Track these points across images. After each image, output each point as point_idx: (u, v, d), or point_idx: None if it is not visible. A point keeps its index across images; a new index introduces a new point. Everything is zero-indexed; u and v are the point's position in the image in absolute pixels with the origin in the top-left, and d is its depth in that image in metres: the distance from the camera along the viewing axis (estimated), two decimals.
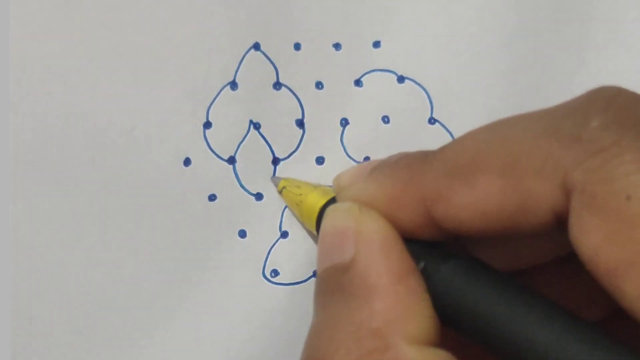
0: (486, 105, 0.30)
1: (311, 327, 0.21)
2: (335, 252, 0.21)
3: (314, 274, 0.30)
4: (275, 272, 0.30)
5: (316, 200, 0.27)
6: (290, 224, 0.30)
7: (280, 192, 0.29)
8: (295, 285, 0.30)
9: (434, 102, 0.30)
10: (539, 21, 0.30)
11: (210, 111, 0.29)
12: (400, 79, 0.30)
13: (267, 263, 0.30)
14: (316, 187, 0.28)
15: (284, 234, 0.30)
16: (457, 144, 0.20)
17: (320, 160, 0.30)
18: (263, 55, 0.29)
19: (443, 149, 0.20)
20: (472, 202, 0.19)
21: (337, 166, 0.30)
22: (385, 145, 0.30)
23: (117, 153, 0.29)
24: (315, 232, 0.26)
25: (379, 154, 0.30)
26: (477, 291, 0.19)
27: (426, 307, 0.20)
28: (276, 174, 0.30)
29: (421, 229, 0.21)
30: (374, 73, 0.30)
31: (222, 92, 0.29)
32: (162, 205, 0.29)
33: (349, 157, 0.30)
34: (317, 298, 0.21)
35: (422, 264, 0.20)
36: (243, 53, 0.29)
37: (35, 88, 0.29)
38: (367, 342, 0.19)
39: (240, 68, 0.29)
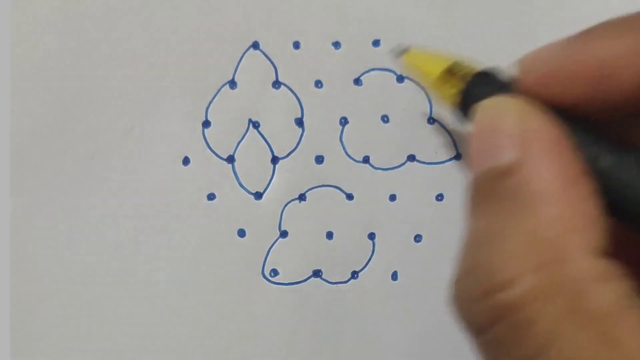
0: None
1: (471, 234, 0.19)
2: (497, 152, 0.19)
3: (314, 274, 0.30)
4: (274, 272, 0.30)
5: (459, 70, 0.23)
6: (290, 223, 0.30)
7: (405, 59, 0.26)
8: (295, 285, 0.30)
9: (433, 102, 0.30)
10: (539, 22, 0.30)
11: (209, 110, 0.29)
12: (400, 79, 0.30)
13: (267, 263, 0.30)
14: (454, 57, 0.25)
15: (284, 234, 0.30)
16: None
17: (319, 159, 0.30)
18: (262, 54, 0.29)
19: None
20: None
21: (337, 165, 0.30)
22: (385, 144, 0.30)
23: (116, 152, 0.29)
24: (455, 111, 0.23)
25: (379, 153, 0.30)
26: None
27: (599, 213, 0.18)
28: (275, 173, 0.30)
29: (631, 101, 0.19)
30: (374, 72, 0.29)
31: (221, 91, 0.29)
32: (161, 204, 0.29)
33: (349, 156, 0.30)
34: (475, 203, 0.19)
35: (600, 157, 0.19)
36: (242, 52, 0.29)
37: (35, 88, 0.29)
38: (543, 253, 0.17)
39: (239, 67, 0.29)
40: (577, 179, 0.18)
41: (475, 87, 0.22)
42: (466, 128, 0.22)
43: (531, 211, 0.18)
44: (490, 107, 0.20)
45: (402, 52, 0.27)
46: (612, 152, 0.19)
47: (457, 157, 0.30)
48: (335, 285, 0.30)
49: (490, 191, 0.19)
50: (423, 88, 0.30)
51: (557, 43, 0.20)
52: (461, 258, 0.19)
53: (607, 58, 0.19)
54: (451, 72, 0.24)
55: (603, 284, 0.17)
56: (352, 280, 0.30)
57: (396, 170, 0.30)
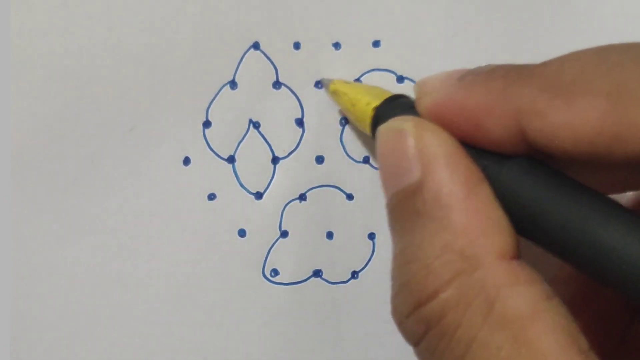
0: None
1: (395, 253, 0.20)
2: (401, 174, 0.20)
3: (314, 274, 0.30)
4: (275, 272, 0.30)
5: (370, 101, 0.25)
6: (290, 223, 0.30)
7: (330, 94, 0.28)
8: (295, 285, 0.30)
9: None
10: (539, 21, 0.30)
11: (209, 110, 0.29)
12: (400, 79, 0.30)
13: (267, 262, 0.30)
14: (369, 89, 0.27)
15: (284, 234, 0.30)
16: (559, 61, 0.19)
17: (320, 160, 0.30)
18: (262, 55, 0.29)
19: (544, 64, 0.20)
20: (570, 122, 0.18)
21: (337, 165, 0.30)
22: None
23: (116, 152, 0.29)
24: (369, 134, 0.25)
25: None
26: (543, 190, 0.19)
27: (502, 215, 0.19)
28: (276, 173, 0.30)
29: (507, 143, 0.20)
30: (374, 72, 0.30)
31: (222, 91, 0.29)
32: (161, 204, 0.29)
33: (349, 156, 0.30)
34: (394, 225, 0.21)
35: (488, 167, 0.20)
36: (242, 52, 0.29)
37: (35, 88, 0.29)
38: (455, 264, 0.18)
39: (240, 67, 0.29)
40: (476, 186, 0.19)
41: (383, 112, 0.24)
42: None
43: (440, 224, 0.19)
44: (388, 131, 0.21)
45: (327, 82, 0.29)
46: (499, 163, 0.20)
47: None
48: (335, 285, 0.30)
49: (403, 211, 0.20)
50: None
51: (449, 77, 0.22)
52: (392, 277, 0.20)
53: (476, 106, 0.20)
54: (368, 100, 0.26)
55: (516, 288, 0.18)
56: (353, 280, 0.30)
57: None
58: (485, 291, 0.18)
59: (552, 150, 0.19)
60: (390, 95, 0.25)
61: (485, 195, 0.19)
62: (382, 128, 0.22)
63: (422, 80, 0.22)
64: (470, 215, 0.19)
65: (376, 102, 0.25)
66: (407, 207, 0.20)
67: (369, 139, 0.30)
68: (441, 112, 0.21)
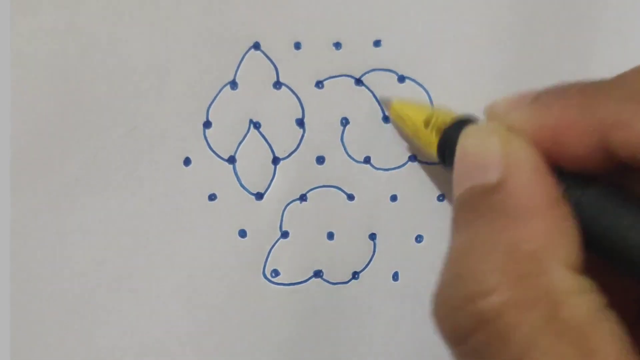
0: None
1: (454, 245, 0.20)
2: (480, 171, 0.20)
3: (315, 274, 0.30)
4: (275, 272, 0.30)
5: (440, 122, 0.26)
6: (291, 223, 0.30)
7: (392, 110, 0.29)
8: (296, 286, 0.30)
9: (434, 102, 0.30)
10: (539, 21, 0.30)
11: (210, 110, 0.29)
12: (401, 79, 0.30)
13: (268, 263, 0.30)
14: (438, 109, 0.27)
15: (285, 234, 0.30)
16: (637, 72, 0.19)
17: (320, 160, 0.30)
18: (263, 55, 0.29)
19: (621, 77, 0.20)
20: None
21: (338, 166, 0.30)
22: (386, 144, 0.30)
23: (116, 152, 0.29)
24: (437, 158, 0.26)
25: (380, 153, 0.30)
26: (619, 216, 0.19)
27: (577, 233, 0.19)
28: (276, 174, 0.30)
29: (588, 159, 0.20)
30: (375, 72, 0.30)
31: (222, 91, 0.29)
32: (161, 204, 0.29)
33: (350, 156, 0.30)
34: (460, 216, 0.21)
35: (565, 189, 0.20)
36: (243, 52, 0.29)
37: (35, 88, 0.29)
38: (523, 264, 0.18)
39: (240, 67, 0.29)
40: (557, 200, 0.19)
41: (454, 132, 0.24)
42: (447, 172, 0.23)
43: (513, 225, 0.19)
44: (475, 131, 0.22)
45: (388, 102, 0.29)
46: (580, 186, 0.20)
47: None
48: (336, 285, 0.30)
49: (475, 206, 0.20)
50: (424, 88, 0.30)
51: (522, 98, 0.22)
52: (444, 269, 0.20)
53: (557, 124, 0.20)
54: (431, 120, 0.26)
55: (579, 296, 0.18)
56: (353, 281, 0.30)
57: (397, 170, 0.30)
58: (550, 296, 0.18)
59: (636, 162, 0.19)
60: (458, 117, 0.25)
61: (562, 210, 0.19)
62: (471, 127, 0.22)
63: (493, 103, 0.23)
64: (547, 223, 0.19)
65: (440, 125, 0.25)
66: (480, 203, 0.20)
67: (369, 139, 0.30)
68: (521, 132, 0.21)
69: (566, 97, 0.20)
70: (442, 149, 0.25)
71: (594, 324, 0.17)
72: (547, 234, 0.19)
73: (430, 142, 0.26)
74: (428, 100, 0.30)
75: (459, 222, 0.21)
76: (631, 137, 0.19)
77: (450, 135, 0.25)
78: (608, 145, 0.19)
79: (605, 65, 0.30)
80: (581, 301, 0.18)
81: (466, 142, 0.22)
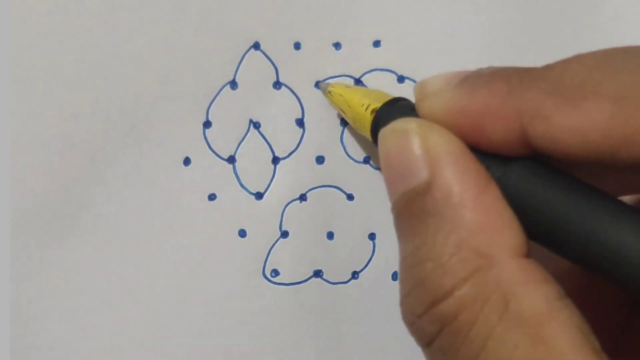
0: None
1: (404, 254, 0.20)
2: (408, 175, 0.20)
3: (314, 274, 0.30)
4: (275, 272, 0.30)
5: (370, 104, 0.25)
6: (291, 223, 0.30)
7: (326, 95, 0.28)
8: (296, 285, 0.30)
9: None
10: (539, 21, 0.30)
11: (210, 110, 0.29)
12: (401, 79, 0.30)
13: (267, 263, 0.30)
14: (367, 92, 0.27)
15: (284, 234, 0.30)
16: (564, 64, 0.19)
17: (320, 160, 0.30)
18: (263, 55, 0.29)
19: (548, 68, 0.19)
20: (576, 125, 0.18)
21: (338, 166, 0.30)
22: None
23: (116, 153, 0.29)
24: (368, 137, 0.25)
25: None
26: (548, 190, 0.19)
27: (512, 214, 0.19)
28: (276, 174, 0.30)
29: (510, 146, 0.20)
30: (374, 72, 0.30)
31: (222, 91, 0.29)
32: (161, 205, 0.29)
33: (349, 156, 0.30)
34: (401, 225, 0.21)
35: (490, 168, 0.20)
36: (243, 52, 0.29)
37: (35, 88, 0.29)
38: (471, 261, 0.18)
39: (240, 67, 0.29)
40: (486, 185, 0.19)
41: (383, 115, 0.24)
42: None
43: (453, 222, 0.19)
44: (393, 133, 0.21)
45: (325, 86, 0.29)
46: (501, 164, 0.20)
47: None
48: (335, 285, 0.30)
49: (412, 212, 0.20)
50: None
51: (449, 79, 0.22)
52: (401, 280, 0.20)
53: (479, 109, 0.20)
54: (367, 103, 0.26)
55: (532, 286, 0.18)
56: (353, 281, 0.30)
57: None
58: (501, 289, 0.18)
59: (556, 154, 0.19)
60: (389, 98, 0.25)
61: (495, 194, 0.19)
62: (385, 130, 0.22)
63: (422, 82, 0.22)
64: (483, 213, 0.19)
65: (375, 105, 0.25)
66: (415, 207, 0.20)
67: (369, 140, 0.30)
68: (443, 114, 0.21)
69: (492, 83, 0.20)
70: (374, 131, 0.25)
71: (548, 314, 0.17)
72: (485, 224, 0.19)
73: (363, 123, 0.26)
74: None
75: (401, 230, 0.21)
76: (550, 130, 0.19)
77: (381, 117, 0.24)
78: (529, 134, 0.19)
79: None
80: (534, 291, 0.18)
81: (386, 146, 0.21)
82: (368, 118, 0.25)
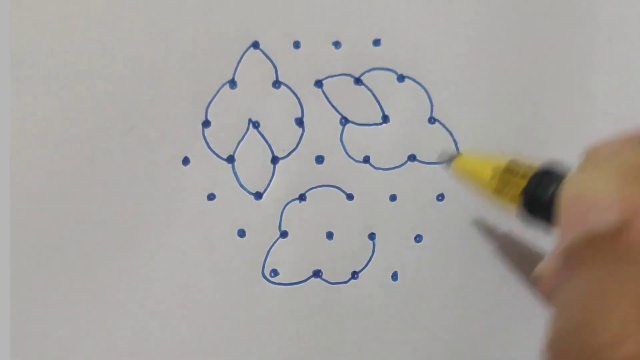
0: (486, 105, 0.30)
1: (571, 294, 0.19)
2: (596, 215, 0.19)
3: (314, 274, 0.30)
4: (274, 272, 0.30)
5: (518, 170, 0.24)
6: (290, 223, 0.30)
7: (455, 167, 0.28)
8: (295, 285, 0.30)
9: (434, 101, 0.29)
10: (539, 21, 0.29)
11: (209, 110, 0.29)
12: (400, 78, 0.29)
13: (267, 263, 0.30)
14: (502, 158, 0.26)
15: (284, 234, 0.30)
16: None
17: (319, 159, 0.30)
18: (262, 54, 0.29)
19: None
20: None
21: (337, 165, 0.30)
22: (385, 144, 0.30)
23: (116, 152, 0.29)
24: (517, 208, 0.24)
25: (379, 153, 0.30)
26: None
27: None
28: (276, 173, 0.30)
29: None
30: (374, 72, 0.29)
31: (221, 90, 0.29)
32: (161, 204, 0.29)
33: (349, 155, 0.30)
34: (575, 263, 0.19)
35: None
36: (242, 51, 0.29)
37: (35, 88, 0.29)
38: None
39: (239, 66, 0.29)
40: None
41: (540, 183, 0.23)
42: (533, 228, 0.22)
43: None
44: (584, 174, 0.20)
45: (450, 158, 0.28)
46: None
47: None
48: (335, 285, 0.30)
49: (593, 253, 0.19)
50: (423, 87, 0.30)
51: (627, 142, 0.21)
52: (561, 316, 0.19)
53: None
54: (508, 172, 0.25)
55: None
56: (353, 281, 0.30)
57: (396, 170, 0.30)
58: None
59: None
60: (535, 171, 0.24)
61: None
62: (580, 171, 0.21)
63: (594, 147, 0.21)
64: None
65: (522, 183, 0.24)
66: (600, 248, 0.19)
67: (368, 139, 0.30)
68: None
69: None
70: (529, 200, 0.24)
71: None
72: None
73: (505, 195, 0.25)
74: (429, 108, 0.30)
75: (574, 270, 0.19)
76: None
77: (539, 185, 0.23)
78: None
79: (605, 65, 0.30)
80: None
81: (575, 186, 0.20)
82: (518, 199, 0.24)
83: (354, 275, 0.30)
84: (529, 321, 0.30)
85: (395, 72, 0.29)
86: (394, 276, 0.30)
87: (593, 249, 0.19)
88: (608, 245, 0.19)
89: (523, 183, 0.24)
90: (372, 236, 0.30)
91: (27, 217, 0.29)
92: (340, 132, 0.30)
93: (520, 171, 0.24)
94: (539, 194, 0.23)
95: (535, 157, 0.30)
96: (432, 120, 0.30)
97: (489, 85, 0.29)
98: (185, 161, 0.29)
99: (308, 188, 0.30)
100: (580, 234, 0.19)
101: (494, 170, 0.25)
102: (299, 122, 0.30)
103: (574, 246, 0.20)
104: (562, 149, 0.30)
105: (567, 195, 0.20)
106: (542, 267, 0.21)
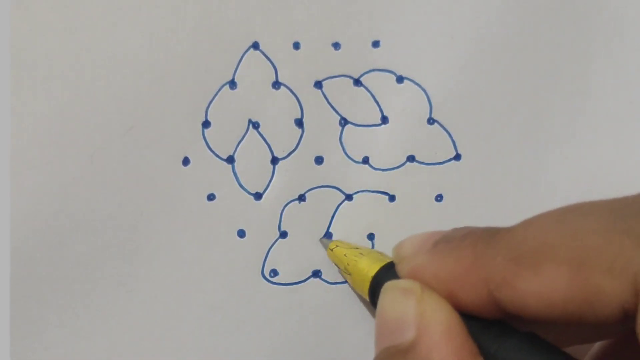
0: (485, 106, 0.30)
1: None
2: (396, 332, 0.21)
3: (313, 274, 0.30)
4: (274, 272, 0.30)
5: (368, 267, 0.26)
6: (290, 223, 0.30)
7: (329, 251, 0.29)
8: (295, 286, 0.30)
9: (433, 103, 0.30)
10: (539, 21, 0.30)
11: (209, 110, 0.29)
12: (400, 79, 0.30)
13: (266, 263, 0.30)
14: (368, 252, 0.28)
15: (283, 234, 0.30)
16: (523, 229, 0.20)
17: (319, 160, 0.30)
18: (262, 55, 0.29)
19: (509, 232, 0.20)
20: (538, 290, 0.19)
21: (337, 166, 0.30)
22: (384, 145, 0.30)
23: (115, 152, 0.29)
24: (366, 298, 0.26)
25: (378, 153, 0.30)
26: None
27: None
28: (275, 174, 0.30)
29: (482, 308, 0.21)
30: (373, 73, 0.30)
31: (221, 91, 0.29)
32: (160, 205, 0.29)
33: (348, 157, 0.30)
34: None
35: (485, 345, 0.21)
36: (242, 52, 0.29)
37: (35, 88, 0.29)
38: None
39: (239, 67, 0.29)
40: (469, 358, 0.20)
41: (380, 278, 0.25)
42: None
43: None
44: (393, 290, 0.22)
45: (326, 243, 0.30)
46: (497, 338, 0.21)
47: (457, 157, 0.30)
48: (334, 285, 0.30)
49: None
50: (422, 88, 0.30)
51: (424, 242, 0.23)
52: None
53: (448, 276, 0.21)
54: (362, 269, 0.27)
55: None
56: None
57: (396, 170, 0.30)
58: None
59: (525, 316, 0.20)
60: (387, 262, 0.26)
61: None
62: (390, 284, 0.23)
63: (399, 244, 0.24)
64: None
65: (374, 268, 0.26)
66: None
67: (368, 140, 0.30)
68: (417, 279, 0.22)
69: (459, 250, 0.21)
70: (371, 293, 0.26)
71: None
72: None
73: (362, 289, 0.27)
74: (428, 109, 0.30)
75: None
76: (514, 295, 0.20)
77: (378, 279, 0.25)
78: (497, 299, 0.20)
79: (605, 65, 0.30)
80: None
81: (383, 302, 0.22)
82: (367, 280, 0.26)
83: None
84: None
85: (395, 74, 0.30)
86: None
87: None
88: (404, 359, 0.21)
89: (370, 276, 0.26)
90: (371, 236, 0.30)
91: (27, 217, 0.29)
92: (339, 132, 0.30)
93: (369, 272, 0.26)
94: (376, 288, 0.25)
95: (536, 157, 0.30)
96: (431, 121, 0.30)
97: (489, 85, 0.30)
98: (185, 161, 0.29)
99: (308, 188, 0.30)
100: (382, 350, 0.21)
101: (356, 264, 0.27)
102: (299, 122, 0.30)
103: (378, 358, 0.22)
104: (562, 149, 0.30)
105: (379, 310, 0.23)
106: None
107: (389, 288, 0.23)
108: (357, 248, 0.28)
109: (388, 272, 0.25)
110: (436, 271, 0.22)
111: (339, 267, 0.29)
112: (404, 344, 0.21)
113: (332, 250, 0.29)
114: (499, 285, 0.20)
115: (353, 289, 0.29)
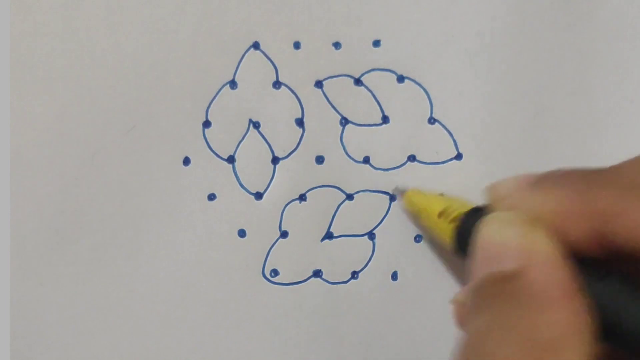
0: (486, 105, 0.30)
1: (471, 328, 0.21)
2: (501, 258, 0.21)
3: (314, 274, 0.30)
4: (274, 272, 0.30)
5: (456, 209, 0.26)
6: (290, 223, 0.30)
7: (405, 196, 0.29)
8: (295, 285, 0.30)
9: (433, 102, 0.30)
10: (539, 20, 0.30)
11: (209, 110, 0.29)
12: (400, 79, 0.30)
13: (267, 263, 0.30)
14: (447, 198, 0.28)
15: (284, 234, 0.30)
16: (633, 164, 0.20)
17: (320, 160, 0.30)
18: (262, 54, 0.29)
19: (618, 167, 0.20)
20: None
21: (337, 166, 0.30)
22: (385, 144, 0.30)
23: (116, 152, 0.29)
24: (448, 244, 0.26)
25: (379, 153, 0.30)
26: (636, 307, 0.20)
27: (594, 325, 0.20)
28: (276, 174, 0.30)
29: (588, 244, 0.21)
30: (374, 72, 0.30)
31: (222, 91, 0.29)
32: (161, 204, 0.29)
33: (349, 156, 0.30)
34: (477, 301, 0.21)
35: (588, 282, 0.20)
36: (242, 52, 0.29)
37: (35, 88, 0.29)
38: (539, 352, 0.19)
39: (240, 67, 0.29)
40: (575, 292, 0.20)
41: (470, 222, 0.25)
42: (463, 262, 0.23)
43: (531, 313, 0.19)
44: (496, 220, 0.22)
45: (401, 192, 0.29)
46: (600, 277, 0.21)
47: (458, 157, 0.30)
48: (335, 285, 0.30)
49: (493, 292, 0.20)
50: (423, 88, 0.30)
51: (520, 182, 0.23)
52: (461, 351, 0.20)
53: (555, 211, 0.21)
54: (446, 211, 0.27)
55: None
56: (352, 281, 0.30)
57: (396, 170, 0.30)
58: None
59: (633, 250, 0.20)
60: (470, 207, 0.26)
61: (582, 303, 0.20)
62: (495, 215, 0.22)
63: (494, 185, 0.23)
64: (567, 314, 0.19)
65: (454, 215, 0.26)
66: (499, 288, 0.20)
67: (368, 139, 0.30)
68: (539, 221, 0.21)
69: (566, 184, 0.21)
70: (459, 238, 0.25)
71: None
72: (564, 324, 0.19)
73: (444, 231, 0.26)
74: (429, 108, 0.30)
75: (476, 306, 0.21)
76: (629, 226, 0.19)
77: (467, 224, 0.25)
78: (606, 233, 0.20)
79: (605, 65, 0.30)
80: None
81: (487, 230, 0.22)
82: (445, 227, 0.26)
83: (354, 275, 0.30)
84: None
85: (395, 73, 0.30)
86: (394, 276, 0.30)
87: (493, 289, 0.21)
88: (506, 287, 0.20)
89: (457, 221, 0.26)
90: (372, 236, 0.30)
91: (27, 217, 0.29)
92: (340, 132, 0.30)
93: (454, 213, 0.26)
94: (465, 232, 0.25)
95: (536, 157, 0.30)
96: (432, 120, 0.30)
97: (489, 85, 0.30)
98: (186, 161, 0.29)
99: (308, 188, 0.30)
100: (484, 275, 0.21)
101: (442, 206, 0.27)
102: (299, 122, 0.30)
103: (478, 285, 0.21)
104: (562, 150, 0.30)
105: (480, 238, 0.22)
106: (455, 298, 0.24)
107: (494, 217, 0.22)
108: (433, 195, 0.28)
109: (476, 215, 0.25)
110: (543, 205, 0.21)
111: (415, 216, 0.29)
112: (509, 270, 0.20)
113: (409, 196, 0.29)
114: (612, 215, 0.20)
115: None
